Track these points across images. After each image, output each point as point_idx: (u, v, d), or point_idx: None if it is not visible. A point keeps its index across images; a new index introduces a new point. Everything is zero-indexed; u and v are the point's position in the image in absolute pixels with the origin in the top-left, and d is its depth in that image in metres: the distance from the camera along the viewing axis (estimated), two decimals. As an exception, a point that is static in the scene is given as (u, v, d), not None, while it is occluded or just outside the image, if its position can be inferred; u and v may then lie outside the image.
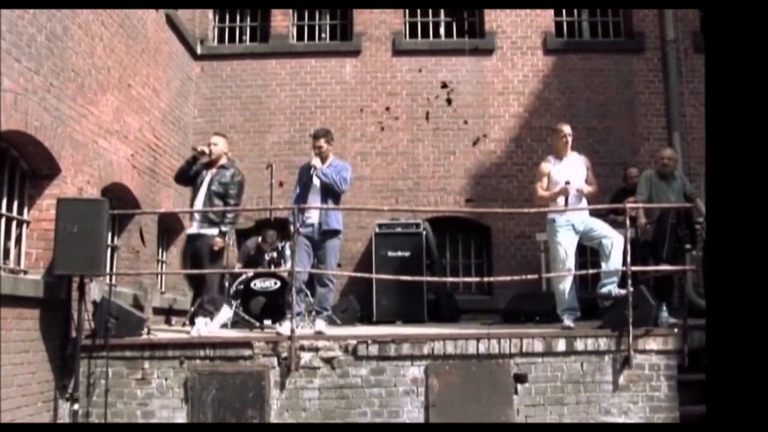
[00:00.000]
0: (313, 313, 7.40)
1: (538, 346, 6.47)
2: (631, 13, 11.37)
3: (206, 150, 7.45)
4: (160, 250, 9.94)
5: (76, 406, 6.21)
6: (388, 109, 11.02)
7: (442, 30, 11.59)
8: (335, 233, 7.33)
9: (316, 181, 7.32)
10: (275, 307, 8.01)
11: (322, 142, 7.40)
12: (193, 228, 7.46)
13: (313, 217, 7.27)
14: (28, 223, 6.50)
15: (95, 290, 6.97)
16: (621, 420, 6.37)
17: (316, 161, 7.31)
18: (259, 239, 9.25)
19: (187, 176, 7.58)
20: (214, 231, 7.24)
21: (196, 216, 7.41)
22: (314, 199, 7.31)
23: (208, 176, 7.42)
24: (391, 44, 11.26)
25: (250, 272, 8.45)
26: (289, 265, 7.89)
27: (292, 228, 7.02)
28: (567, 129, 7.30)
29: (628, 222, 6.75)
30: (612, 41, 11.53)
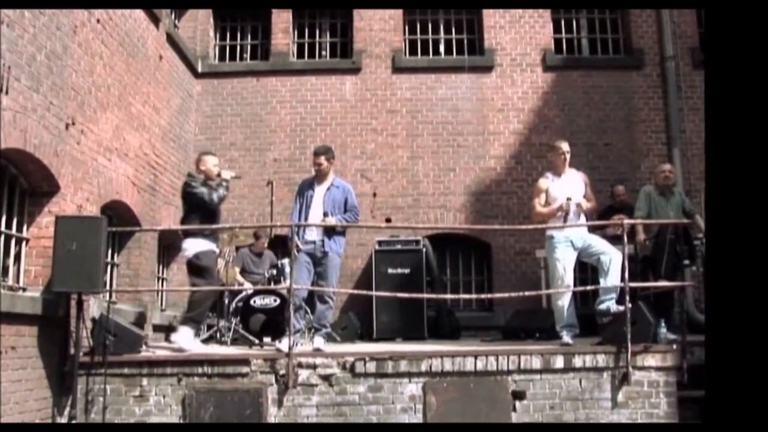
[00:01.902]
0: (312, 330, 7.39)
1: (536, 362, 6.45)
2: (630, 30, 11.43)
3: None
4: (161, 267, 9.96)
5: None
6: None
7: (441, 47, 11.66)
8: (336, 253, 7.29)
9: (317, 199, 7.30)
10: (275, 324, 8.01)
11: (322, 159, 7.35)
12: (214, 245, 7.43)
13: (314, 234, 7.24)
14: (27, 240, 6.52)
15: (94, 307, 6.97)
16: (620, 437, 6.35)
17: (331, 219, 7.15)
18: (252, 242, 9.26)
19: None
20: None
21: (208, 233, 7.34)
22: (315, 216, 7.26)
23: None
24: (390, 62, 11.32)
25: (250, 289, 8.46)
26: (288, 282, 7.88)
27: (296, 248, 7.04)
28: (565, 146, 7.32)
29: (625, 238, 6.74)
30: (611, 58, 11.60)
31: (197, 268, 7.26)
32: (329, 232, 7.18)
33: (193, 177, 7.40)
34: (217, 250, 7.51)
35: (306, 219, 7.26)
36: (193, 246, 7.24)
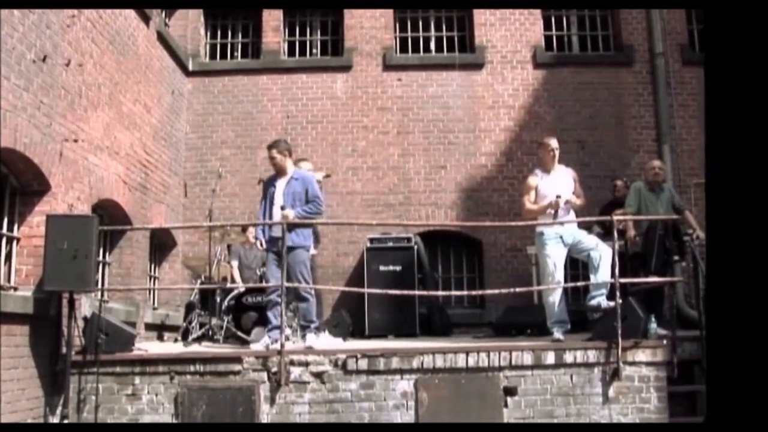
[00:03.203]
0: (302, 328, 7.40)
1: (528, 358, 6.49)
2: (620, 27, 11.47)
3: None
4: (152, 266, 9.96)
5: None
6: None
7: (432, 45, 11.67)
8: (301, 247, 7.19)
9: (278, 194, 7.27)
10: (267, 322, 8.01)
11: (273, 152, 7.31)
12: None
13: (277, 231, 7.08)
14: (18, 239, 6.52)
15: (86, 306, 6.98)
16: (611, 432, 6.38)
17: (288, 212, 7.09)
18: (244, 239, 9.27)
19: None
20: None
21: None
22: (277, 211, 7.19)
23: None
24: (381, 59, 11.33)
25: (242, 287, 8.46)
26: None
27: (259, 244, 7.19)
28: (554, 143, 7.35)
29: (615, 234, 6.78)
30: (601, 54, 11.62)
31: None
32: (291, 226, 7.07)
33: None
34: None
35: (270, 215, 7.22)
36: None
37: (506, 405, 6.43)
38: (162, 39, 9.95)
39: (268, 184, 7.44)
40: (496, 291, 8.11)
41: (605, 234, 8.07)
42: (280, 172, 7.37)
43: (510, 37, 11.37)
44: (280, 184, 7.31)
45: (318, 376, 6.45)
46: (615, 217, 7.09)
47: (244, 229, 9.18)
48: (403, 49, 11.68)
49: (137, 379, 6.45)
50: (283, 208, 7.14)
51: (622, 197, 9.03)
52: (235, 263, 9.08)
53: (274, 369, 6.40)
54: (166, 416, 6.39)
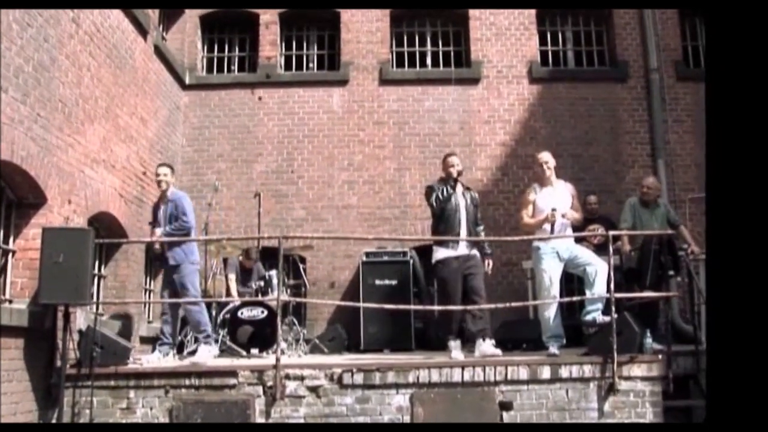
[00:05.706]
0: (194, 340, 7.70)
1: (523, 373, 6.48)
2: (615, 43, 11.54)
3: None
4: (148, 279, 9.93)
5: (60, 436, 6.18)
6: None
7: (428, 60, 11.72)
8: (185, 263, 7.49)
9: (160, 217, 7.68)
10: (262, 335, 8.01)
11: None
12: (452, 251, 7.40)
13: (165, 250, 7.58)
14: (13, 252, 6.50)
15: (81, 319, 6.96)
16: (607, 447, 6.37)
17: (157, 232, 7.62)
18: (241, 257, 9.24)
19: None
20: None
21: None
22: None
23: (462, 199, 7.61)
24: (378, 74, 11.36)
25: (237, 301, 8.45)
26: (276, 293, 7.87)
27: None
28: (544, 156, 7.40)
29: (611, 249, 6.79)
30: (596, 70, 11.69)
31: (437, 280, 7.38)
32: (170, 245, 7.48)
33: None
34: (458, 253, 7.37)
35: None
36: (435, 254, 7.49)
37: (502, 420, 6.41)
38: (159, 53, 9.97)
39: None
40: (492, 305, 8.07)
41: (596, 249, 8.10)
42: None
43: (506, 52, 11.42)
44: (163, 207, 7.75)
45: (313, 390, 6.43)
46: (612, 232, 7.11)
47: (249, 255, 9.17)
48: (400, 63, 11.73)
49: (132, 393, 6.43)
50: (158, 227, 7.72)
51: (595, 212, 9.11)
52: (232, 276, 9.06)
53: (270, 383, 6.38)
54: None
